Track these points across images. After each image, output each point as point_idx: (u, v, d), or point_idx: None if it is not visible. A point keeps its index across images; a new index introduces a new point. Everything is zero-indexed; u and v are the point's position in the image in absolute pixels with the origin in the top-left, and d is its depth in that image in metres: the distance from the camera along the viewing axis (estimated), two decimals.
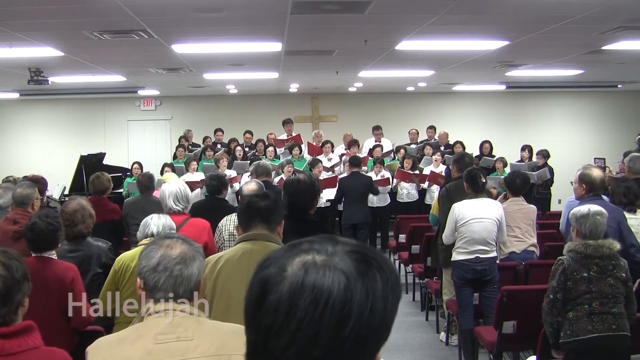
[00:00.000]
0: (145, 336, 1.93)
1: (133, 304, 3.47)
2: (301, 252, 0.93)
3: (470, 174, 5.29)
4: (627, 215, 4.71)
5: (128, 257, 3.62)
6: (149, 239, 3.63)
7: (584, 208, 3.85)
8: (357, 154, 10.08)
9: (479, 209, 5.16)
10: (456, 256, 5.23)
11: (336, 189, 9.12)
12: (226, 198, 6.05)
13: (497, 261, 5.37)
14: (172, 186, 4.66)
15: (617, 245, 3.76)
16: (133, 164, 10.35)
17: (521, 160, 10.76)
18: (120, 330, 3.22)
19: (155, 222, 3.68)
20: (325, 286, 0.88)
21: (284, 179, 9.35)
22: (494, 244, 5.21)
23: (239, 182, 9.11)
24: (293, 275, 0.90)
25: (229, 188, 9.36)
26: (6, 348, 2.00)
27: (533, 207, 5.90)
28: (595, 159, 11.29)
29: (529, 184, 6.64)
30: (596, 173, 4.70)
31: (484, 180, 5.35)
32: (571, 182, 5.08)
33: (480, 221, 5.13)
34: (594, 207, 3.85)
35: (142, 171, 9.58)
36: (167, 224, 3.71)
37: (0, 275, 2.10)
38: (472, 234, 5.12)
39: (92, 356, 1.95)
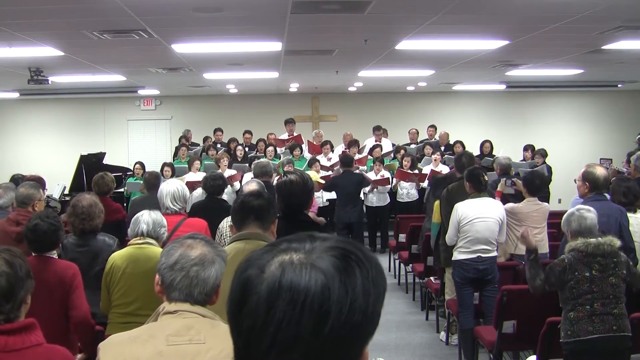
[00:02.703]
0: (157, 336, 1.92)
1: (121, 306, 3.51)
2: (280, 251, 0.92)
3: (472, 174, 5.29)
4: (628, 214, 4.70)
5: (118, 257, 3.60)
6: (139, 237, 3.63)
7: (570, 210, 3.95)
8: (358, 154, 10.08)
9: (481, 208, 5.18)
10: (458, 255, 5.23)
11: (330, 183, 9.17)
12: (226, 198, 6.05)
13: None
14: (170, 186, 4.68)
15: (618, 242, 3.76)
16: (135, 164, 10.33)
17: (523, 160, 10.75)
18: (112, 330, 3.26)
19: (145, 220, 3.65)
20: (302, 286, 0.86)
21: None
22: (495, 243, 5.23)
23: (240, 182, 9.11)
24: (271, 275, 0.88)
25: (230, 187, 9.41)
26: (10, 344, 2.03)
27: (547, 206, 5.97)
28: (601, 159, 11.27)
29: (547, 184, 6.71)
30: (600, 172, 4.69)
31: (487, 179, 5.37)
32: (574, 180, 5.09)
33: (483, 221, 5.14)
34: (579, 206, 3.95)
35: (144, 171, 9.60)
36: (157, 220, 3.68)
37: (4, 272, 2.12)
38: (475, 234, 5.12)
39: (103, 352, 1.94)
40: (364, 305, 0.89)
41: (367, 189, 9.62)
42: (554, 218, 7.23)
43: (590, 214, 3.82)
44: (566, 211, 4.03)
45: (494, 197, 5.87)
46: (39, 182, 6.03)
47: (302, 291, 0.86)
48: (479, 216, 5.14)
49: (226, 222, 4.39)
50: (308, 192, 3.48)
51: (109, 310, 3.60)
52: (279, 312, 0.86)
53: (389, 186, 10.01)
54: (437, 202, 6.05)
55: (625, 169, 7.77)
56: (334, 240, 0.94)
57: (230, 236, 4.29)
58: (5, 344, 2.02)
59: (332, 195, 9.82)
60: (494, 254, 5.23)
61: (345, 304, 0.87)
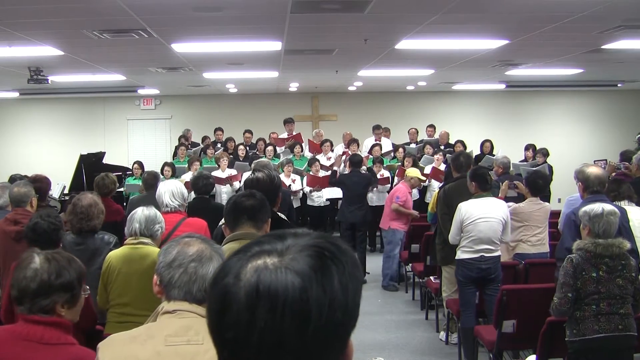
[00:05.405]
0: (156, 337, 1.93)
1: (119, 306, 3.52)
2: (253, 256, 0.91)
3: (477, 173, 5.29)
4: (628, 209, 4.68)
5: (113, 257, 3.61)
6: (133, 237, 3.62)
7: (598, 207, 3.76)
8: (358, 152, 10.06)
9: (485, 208, 5.17)
10: (461, 255, 5.23)
11: (337, 179, 9.21)
12: (226, 198, 6.05)
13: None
14: (168, 185, 4.72)
15: (627, 244, 3.71)
16: (134, 163, 10.31)
17: (525, 160, 10.73)
18: (110, 329, 3.26)
19: (137, 218, 3.64)
20: (280, 291, 0.86)
21: (284, 178, 9.40)
22: (499, 243, 5.23)
23: (240, 181, 9.11)
24: (247, 283, 0.87)
25: (230, 187, 9.41)
26: (46, 337, 2.08)
27: (549, 205, 5.98)
28: (595, 161, 11.25)
29: (549, 184, 6.75)
30: (590, 170, 4.63)
31: (492, 179, 5.38)
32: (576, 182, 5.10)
33: (486, 220, 5.14)
34: (608, 207, 3.79)
35: (143, 171, 9.59)
36: (150, 216, 3.65)
37: (37, 270, 2.20)
38: (478, 233, 5.12)
39: (103, 352, 1.95)
40: (343, 302, 0.89)
41: (374, 197, 9.71)
42: (553, 217, 7.26)
43: (616, 219, 3.73)
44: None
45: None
46: (44, 182, 6.03)
47: (281, 297, 0.85)
48: (482, 216, 5.14)
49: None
50: (275, 190, 3.54)
51: (105, 307, 3.63)
52: (260, 321, 0.85)
53: (388, 185, 9.99)
54: (436, 192, 6.39)
55: (622, 165, 7.79)
56: (304, 238, 0.93)
57: None
58: (42, 336, 2.07)
59: (333, 194, 9.82)
60: (497, 253, 5.23)
61: (324, 304, 0.87)
